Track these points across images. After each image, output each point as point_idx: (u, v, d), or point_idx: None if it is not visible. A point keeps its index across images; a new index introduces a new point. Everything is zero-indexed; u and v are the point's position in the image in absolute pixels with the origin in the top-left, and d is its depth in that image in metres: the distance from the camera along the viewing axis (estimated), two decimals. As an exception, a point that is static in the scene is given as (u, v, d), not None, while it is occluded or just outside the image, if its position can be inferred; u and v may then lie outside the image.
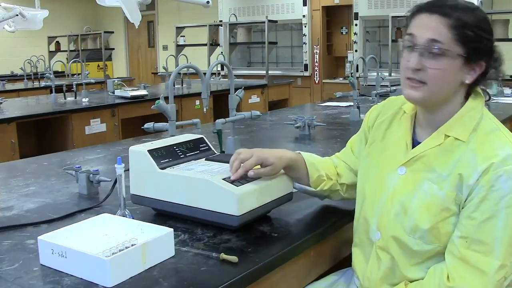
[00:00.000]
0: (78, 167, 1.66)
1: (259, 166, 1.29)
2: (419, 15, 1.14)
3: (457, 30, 1.09)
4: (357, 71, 6.14)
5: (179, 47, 7.54)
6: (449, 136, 1.15)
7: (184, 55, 6.38)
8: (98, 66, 9.55)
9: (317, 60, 8.11)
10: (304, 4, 7.88)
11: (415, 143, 1.22)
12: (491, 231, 1.05)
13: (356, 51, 7.19)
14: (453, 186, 1.10)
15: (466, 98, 1.18)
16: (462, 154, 1.11)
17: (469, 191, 1.08)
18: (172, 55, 6.67)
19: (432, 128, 1.19)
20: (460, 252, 1.08)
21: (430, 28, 1.10)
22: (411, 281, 1.17)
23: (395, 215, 1.18)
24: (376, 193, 1.25)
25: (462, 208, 1.09)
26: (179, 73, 5.77)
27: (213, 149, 1.52)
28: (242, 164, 1.27)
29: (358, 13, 7.15)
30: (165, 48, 10.43)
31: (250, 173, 1.27)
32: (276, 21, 7.43)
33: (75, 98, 4.94)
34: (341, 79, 8.10)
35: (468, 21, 1.09)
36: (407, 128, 1.25)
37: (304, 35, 8.00)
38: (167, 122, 1.87)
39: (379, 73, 3.66)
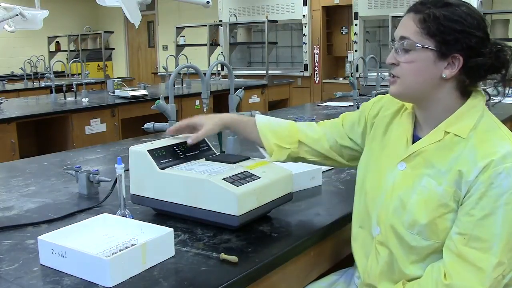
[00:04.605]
0: (78, 167, 1.66)
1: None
2: (402, 18, 1.19)
3: (424, 24, 1.11)
4: (357, 71, 6.13)
5: (179, 47, 7.54)
6: (449, 133, 1.15)
7: (184, 55, 6.38)
8: (98, 66, 9.54)
9: (317, 60, 8.10)
10: (304, 4, 7.88)
11: (415, 139, 1.22)
12: (490, 228, 1.05)
13: (356, 51, 7.19)
14: (452, 182, 1.10)
15: (467, 97, 1.18)
16: (462, 151, 1.11)
17: (468, 188, 1.08)
18: (172, 55, 6.66)
19: (430, 125, 1.19)
20: (458, 249, 1.08)
21: (402, 26, 1.16)
22: (410, 280, 1.17)
23: (394, 210, 1.18)
24: (376, 189, 1.25)
25: (461, 205, 1.09)
26: (179, 73, 5.77)
27: (213, 149, 1.52)
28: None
29: (358, 13, 7.14)
30: (165, 48, 10.43)
31: (188, 141, 1.40)
32: (276, 21, 7.43)
33: (75, 98, 4.93)
34: (341, 79, 8.10)
35: (438, 14, 1.10)
36: (408, 124, 1.25)
37: (304, 35, 8.00)
38: (167, 122, 1.87)
39: (379, 73, 3.66)
